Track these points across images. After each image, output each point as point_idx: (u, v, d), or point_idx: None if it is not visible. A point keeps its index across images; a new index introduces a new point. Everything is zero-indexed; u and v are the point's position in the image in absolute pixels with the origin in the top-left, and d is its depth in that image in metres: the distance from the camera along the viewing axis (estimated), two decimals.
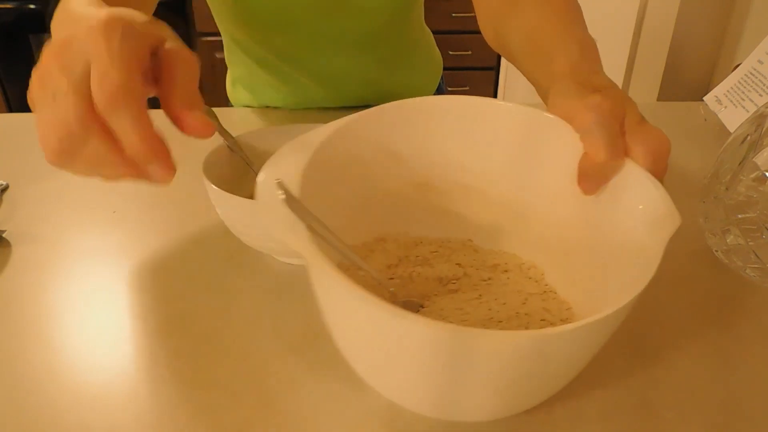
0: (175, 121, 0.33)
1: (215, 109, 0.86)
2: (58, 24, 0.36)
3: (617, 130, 0.36)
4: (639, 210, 0.36)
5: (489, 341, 0.28)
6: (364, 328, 0.32)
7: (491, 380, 0.31)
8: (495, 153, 0.44)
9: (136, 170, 0.31)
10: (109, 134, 0.30)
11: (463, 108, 0.44)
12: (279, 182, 0.32)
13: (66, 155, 0.30)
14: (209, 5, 0.78)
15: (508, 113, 0.43)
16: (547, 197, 0.43)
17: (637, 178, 0.36)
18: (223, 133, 0.53)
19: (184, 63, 0.32)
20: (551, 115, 0.40)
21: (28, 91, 0.32)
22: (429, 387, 0.32)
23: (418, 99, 0.44)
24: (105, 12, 0.29)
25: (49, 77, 0.30)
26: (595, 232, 0.39)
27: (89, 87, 0.29)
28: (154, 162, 0.30)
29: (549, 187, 0.42)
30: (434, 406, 0.35)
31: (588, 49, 0.44)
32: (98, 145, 0.30)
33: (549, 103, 0.41)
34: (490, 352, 0.29)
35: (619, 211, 0.37)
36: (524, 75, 0.52)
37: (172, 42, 0.32)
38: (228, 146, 0.54)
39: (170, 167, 0.31)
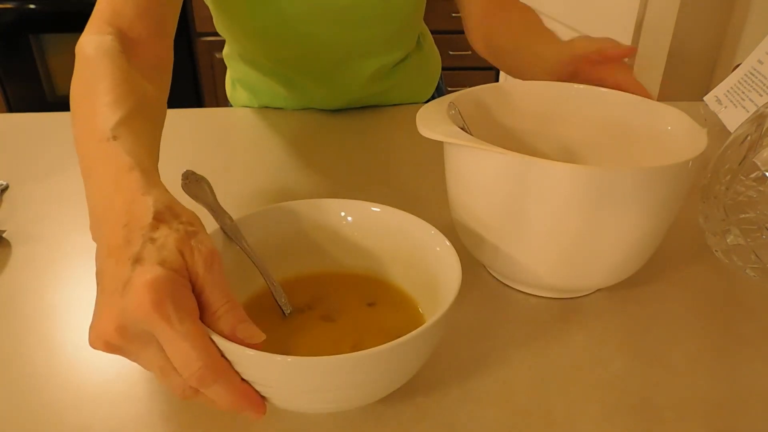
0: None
1: (215, 109, 0.86)
2: (105, 239, 0.34)
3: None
4: (668, 131, 0.49)
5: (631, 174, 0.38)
6: (519, 183, 0.40)
7: (625, 223, 0.40)
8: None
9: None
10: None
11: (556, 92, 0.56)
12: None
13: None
14: (212, 15, 0.78)
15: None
16: (603, 148, 0.56)
17: (658, 110, 0.51)
18: (220, 214, 0.42)
19: (217, 288, 0.33)
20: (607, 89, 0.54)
21: (95, 337, 0.32)
22: (561, 240, 0.41)
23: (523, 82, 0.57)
24: (147, 279, 0.30)
25: (124, 351, 0.32)
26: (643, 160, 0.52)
27: (166, 358, 0.31)
28: (248, 409, 0.32)
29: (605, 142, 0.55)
30: (558, 269, 0.44)
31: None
32: (205, 401, 0.32)
33: (575, 44, 0.60)
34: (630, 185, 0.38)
35: (657, 139, 0.50)
36: (515, 59, 0.70)
37: (200, 266, 0.32)
38: (223, 231, 0.41)
39: (262, 409, 0.33)
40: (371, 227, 0.44)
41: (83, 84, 0.46)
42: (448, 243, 0.39)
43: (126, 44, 0.51)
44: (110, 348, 0.32)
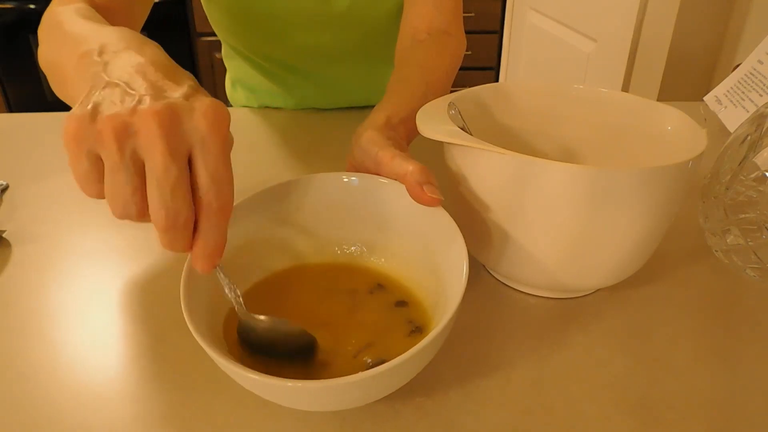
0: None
1: None
2: (94, 68, 0.35)
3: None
4: (668, 131, 0.49)
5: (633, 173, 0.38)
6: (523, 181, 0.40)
7: (624, 221, 0.40)
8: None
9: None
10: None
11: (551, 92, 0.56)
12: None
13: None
14: (206, 14, 0.78)
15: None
16: (603, 148, 0.56)
17: (658, 110, 0.51)
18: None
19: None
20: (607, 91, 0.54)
21: (69, 135, 0.31)
22: (563, 241, 0.41)
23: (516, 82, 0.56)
24: (159, 105, 0.31)
25: (106, 149, 0.31)
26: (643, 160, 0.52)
27: (142, 164, 0.31)
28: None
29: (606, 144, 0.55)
30: (562, 265, 0.43)
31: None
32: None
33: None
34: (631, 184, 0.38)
35: (657, 139, 0.50)
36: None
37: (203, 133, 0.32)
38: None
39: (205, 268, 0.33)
40: (386, 200, 0.44)
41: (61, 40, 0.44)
42: (465, 255, 0.37)
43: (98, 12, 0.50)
44: (79, 138, 0.31)
